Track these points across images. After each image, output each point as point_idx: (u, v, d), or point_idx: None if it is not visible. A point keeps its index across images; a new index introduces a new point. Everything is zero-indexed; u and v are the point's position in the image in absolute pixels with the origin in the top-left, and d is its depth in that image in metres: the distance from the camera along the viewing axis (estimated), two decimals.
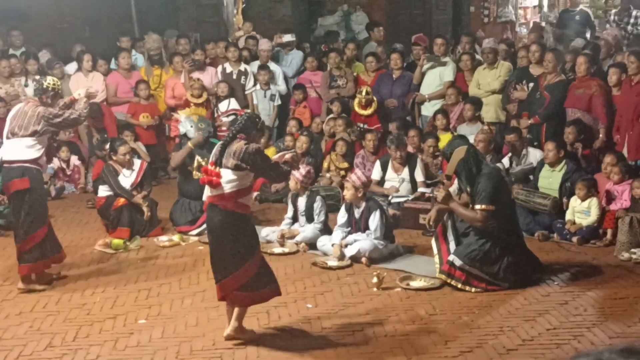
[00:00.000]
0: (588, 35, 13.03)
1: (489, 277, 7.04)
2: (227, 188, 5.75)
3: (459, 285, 7.02)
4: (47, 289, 7.29)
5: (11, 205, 7.59)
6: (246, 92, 11.96)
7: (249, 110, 11.12)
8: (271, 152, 10.65)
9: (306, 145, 10.46)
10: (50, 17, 14.95)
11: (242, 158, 5.71)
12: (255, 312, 6.56)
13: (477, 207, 7.03)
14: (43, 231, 7.31)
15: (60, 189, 10.88)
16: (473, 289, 7.00)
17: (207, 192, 5.90)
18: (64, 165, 11.11)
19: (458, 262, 7.04)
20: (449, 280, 7.07)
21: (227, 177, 5.73)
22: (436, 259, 7.32)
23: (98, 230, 9.13)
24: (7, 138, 7.27)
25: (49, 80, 7.48)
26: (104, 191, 9.13)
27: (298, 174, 8.55)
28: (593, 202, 8.42)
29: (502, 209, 7.14)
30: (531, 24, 15.67)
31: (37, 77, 8.25)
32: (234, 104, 11.49)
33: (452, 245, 7.27)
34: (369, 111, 11.11)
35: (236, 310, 5.93)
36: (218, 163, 5.81)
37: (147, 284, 7.33)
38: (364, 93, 11.05)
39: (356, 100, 11.22)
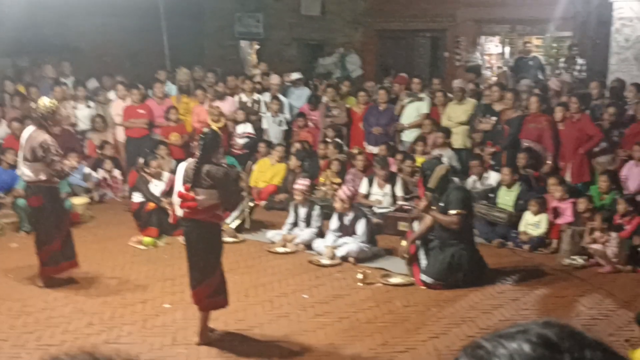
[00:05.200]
0: (541, 76, 13.07)
1: (454, 282, 7.06)
2: (205, 204, 5.42)
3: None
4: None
5: (32, 218, 7.38)
6: (260, 115, 12.00)
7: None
8: (282, 168, 10.77)
9: (298, 164, 10.60)
10: (97, 50, 15.01)
11: (214, 177, 5.40)
12: (261, 300, 6.63)
13: (452, 212, 7.05)
14: (57, 243, 6.90)
15: (102, 195, 10.93)
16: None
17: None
18: (107, 176, 11.14)
19: (429, 280, 7.07)
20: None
21: (203, 195, 5.41)
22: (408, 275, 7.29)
23: (132, 229, 9.14)
24: (23, 160, 6.79)
25: (41, 106, 6.75)
26: (137, 197, 9.20)
27: (302, 185, 8.67)
28: (543, 217, 8.50)
29: (468, 216, 7.22)
30: (495, 69, 15.74)
31: (34, 105, 7.38)
32: (249, 128, 11.57)
33: (423, 262, 7.24)
34: None
35: (200, 316, 5.61)
36: (193, 184, 5.40)
37: (172, 274, 7.35)
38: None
39: None
